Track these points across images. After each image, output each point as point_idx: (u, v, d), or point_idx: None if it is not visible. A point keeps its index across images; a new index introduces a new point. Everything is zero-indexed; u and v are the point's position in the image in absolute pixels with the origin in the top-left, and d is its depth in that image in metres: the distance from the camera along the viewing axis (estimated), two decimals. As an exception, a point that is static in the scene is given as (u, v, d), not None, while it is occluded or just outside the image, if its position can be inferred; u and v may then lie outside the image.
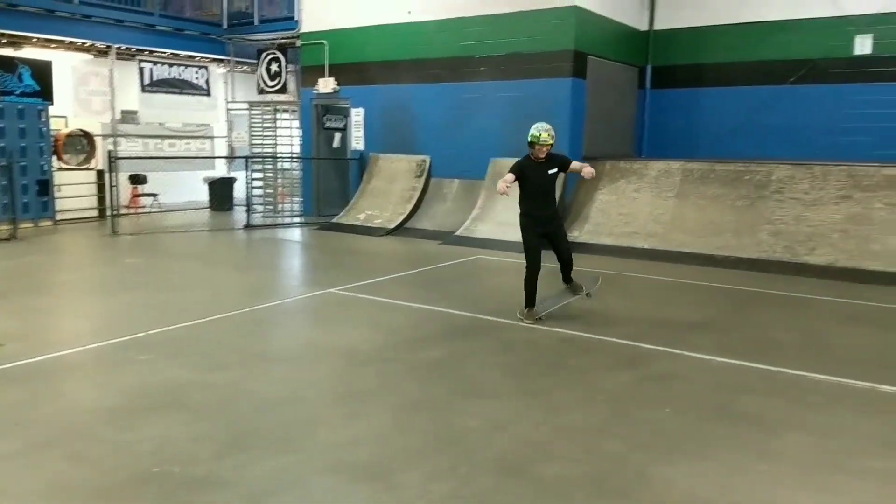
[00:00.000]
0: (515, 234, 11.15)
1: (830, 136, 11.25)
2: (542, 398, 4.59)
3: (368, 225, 12.54)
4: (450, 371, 5.13)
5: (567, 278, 6.62)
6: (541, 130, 6.14)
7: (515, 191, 6.34)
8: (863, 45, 11.02)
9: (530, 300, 6.36)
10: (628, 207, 10.85)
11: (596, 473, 3.57)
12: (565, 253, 6.47)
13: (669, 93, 13.01)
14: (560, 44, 11.27)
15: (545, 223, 6.37)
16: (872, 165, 9.52)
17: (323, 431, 4.05)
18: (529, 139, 6.20)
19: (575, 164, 6.48)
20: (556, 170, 6.30)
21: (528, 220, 6.35)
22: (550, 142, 6.17)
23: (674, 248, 9.95)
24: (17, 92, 12.73)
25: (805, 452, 3.85)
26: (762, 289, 8.07)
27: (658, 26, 13.05)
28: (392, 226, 12.33)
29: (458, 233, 11.38)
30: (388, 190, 13.08)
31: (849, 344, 5.97)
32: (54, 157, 12.85)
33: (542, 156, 6.23)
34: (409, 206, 12.64)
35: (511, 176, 6.20)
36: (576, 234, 10.62)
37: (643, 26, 13.08)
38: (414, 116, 13.10)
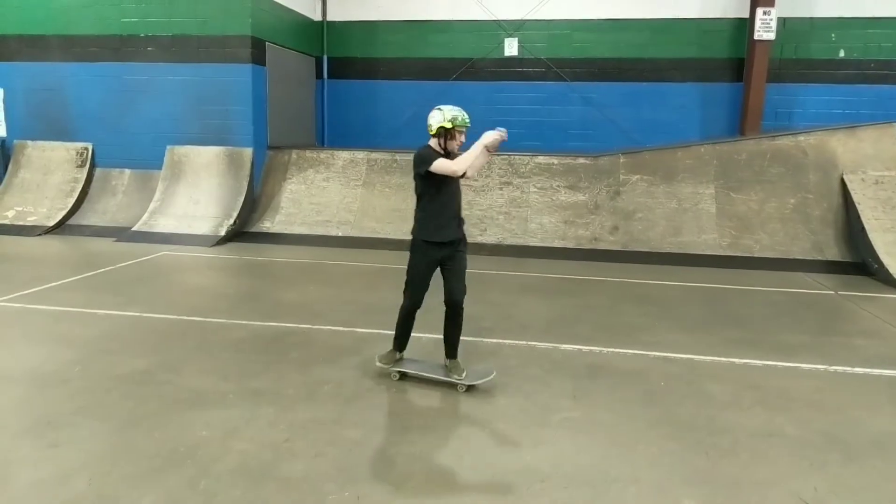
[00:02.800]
0: (201, 227, 10.69)
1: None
2: (270, 396, 4.44)
3: (20, 224, 10.74)
4: (161, 381, 4.66)
5: (452, 348, 4.82)
6: (457, 110, 4.47)
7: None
8: (511, 47, 12.61)
9: (400, 342, 4.85)
10: (319, 197, 10.94)
11: (342, 463, 3.58)
12: (458, 292, 4.60)
13: (347, 84, 13.34)
14: (236, 28, 10.84)
15: (450, 246, 4.58)
16: (526, 155, 11.00)
17: (19, 471, 3.40)
18: (448, 124, 4.41)
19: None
20: None
21: (434, 240, 4.51)
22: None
23: (366, 234, 10.33)
24: None
25: (516, 413, 4.33)
26: (448, 268, 8.80)
27: (331, 18, 13.29)
28: (51, 223, 10.74)
29: (134, 228, 10.33)
30: (43, 182, 11.34)
31: (527, 311, 6.84)
32: None
33: (457, 146, 4.52)
34: (71, 201, 11.12)
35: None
36: (268, 225, 10.40)
37: (317, 17, 13.22)
38: (69, 99, 11.56)
